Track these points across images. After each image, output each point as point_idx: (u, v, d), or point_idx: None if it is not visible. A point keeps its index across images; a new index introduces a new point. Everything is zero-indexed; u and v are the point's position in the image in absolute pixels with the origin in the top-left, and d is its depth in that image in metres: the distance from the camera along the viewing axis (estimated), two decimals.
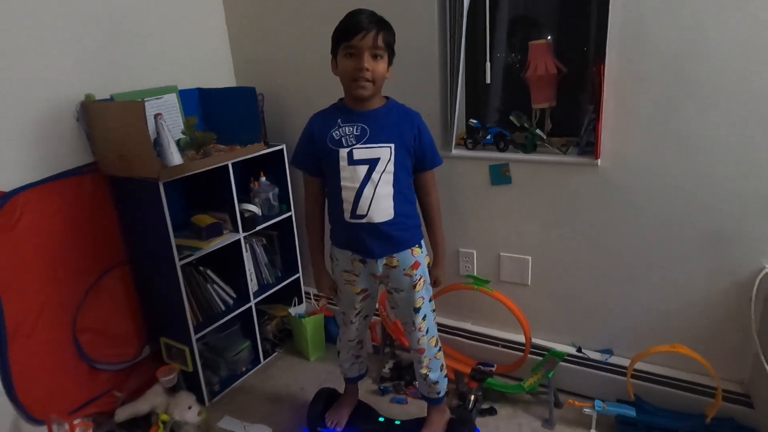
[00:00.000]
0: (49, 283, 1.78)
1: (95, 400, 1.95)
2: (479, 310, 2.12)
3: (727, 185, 1.55)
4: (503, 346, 2.08)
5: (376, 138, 1.42)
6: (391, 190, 1.44)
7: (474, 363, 2.08)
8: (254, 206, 2.19)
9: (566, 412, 1.89)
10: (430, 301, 1.62)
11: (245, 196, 2.22)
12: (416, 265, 1.54)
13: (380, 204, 1.43)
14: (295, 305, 2.42)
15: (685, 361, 1.71)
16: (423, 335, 1.61)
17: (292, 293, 2.46)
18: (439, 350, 1.69)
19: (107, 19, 1.88)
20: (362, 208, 1.43)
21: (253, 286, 2.24)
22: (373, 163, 1.41)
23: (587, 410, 1.79)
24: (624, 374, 1.78)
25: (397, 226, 1.47)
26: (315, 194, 1.57)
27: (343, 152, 1.41)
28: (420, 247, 1.56)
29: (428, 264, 1.61)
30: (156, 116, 1.80)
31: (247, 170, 2.21)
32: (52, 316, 1.80)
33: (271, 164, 2.27)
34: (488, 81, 1.88)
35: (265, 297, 2.29)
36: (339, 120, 1.44)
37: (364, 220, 1.44)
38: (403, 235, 1.50)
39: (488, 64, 1.86)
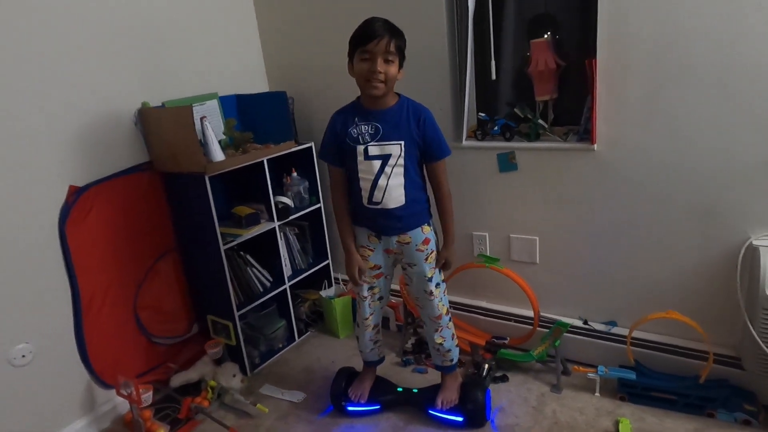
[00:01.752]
0: (113, 266, 2.07)
1: (153, 369, 2.23)
2: (492, 288, 2.30)
3: (711, 160, 1.70)
4: (515, 321, 2.26)
5: (388, 136, 1.63)
6: (402, 181, 1.66)
7: (488, 336, 2.26)
8: (287, 198, 2.44)
9: (573, 379, 2.06)
10: (440, 272, 1.82)
11: (279, 190, 2.47)
12: (426, 241, 1.75)
13: (393, 193, 1.65)
14: (325, 288, 2.66)
15: (681, 328, 1.86)
16: (438, 301, 1.81)
17: (322, 278, 2.70)
18: (450, 320, 1.88)
19: (156, 37, 2.17)
20: (377, 197, 1.65)
21: (287, 270, 2.49)
22: (385, 158, 1.63)
23: (591, 375, 1.95)
24: (626, 342, 1.94)
25: (409, 210, 1.69)
26: (339, 183, 1.78)
27: (360, 148, 1.64)
28: (429, 225, 1.77)
29: (437, 243, 1.81)
30: (201, 119, 2.07)
31: (280, 167, 2.46)
32: (117, 294, 2.09)
33: (302, 161, 2.52)
34: (494, 77, 2.07)
35: (299, 281, 2.54)
36: (356, 118, 1.66)
37: (379, 206, 1.67)
38: (414, 217, 1.72)
39: (493, 61, 2.05)
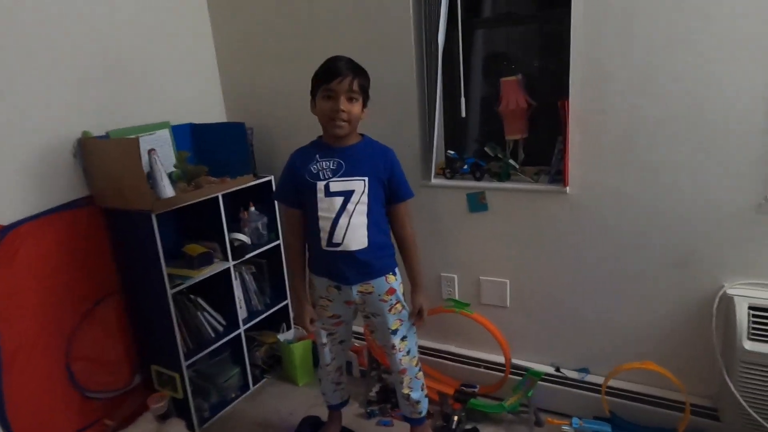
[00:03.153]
0: (44, 312, 1.84)
1: (85, 429, 1.99)
2: (462, 332, 2.20)
3: (685, 208, 1.67)
4: (485, 368, 2.15)
5: (351, 172, 1.53)
6: (365, 220, 1.54)
7: (457, 384, 2.15)
8: (244, 235, 2.27)
9: (546, 431, 1.96)
10: (409, 322, 1.70)
11: (235, 225, 2.30)
12: (391, 291, 1.63)
13: (355, 233, 1.53)
14: (283, 331, 2.48)
15: (656, 378, 1.80)
16: (404, 355, 1.69)
17: (280, 320, 2.52)
18: (420, 370, 1.76)
19: (103, 60, 1.99)
20: (338, 237, 1.53)
21: (242, 313, 2.31)
22: (348, 194, 1.52)
23: (565, 428, 1.86)
24: (600, 392, 1.86)
25: (372, 254, 1.57)
26: (295, 226, 1.66)
27: (321, 185, 1.52)
28: (394, 274, 1.66)
29: (403, 292, 1.70)
30: (149, 151, 1.90)
31: (237, 201, 2.30)
32: (47, 344, 1.85)
33: (261, 194, 2.36)
34: (463, 115, 2.01)
35: (255, 324, 2.36)
36: (317, 155, 1.55)
37: (339, 248, 1.54)
38: (378, 263, 1.60)
39: (463, 99, 1.99)
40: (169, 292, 1.93)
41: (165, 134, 2.20)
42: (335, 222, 1.52)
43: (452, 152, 2.08)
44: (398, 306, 1.65)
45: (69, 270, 1.91)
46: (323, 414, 1.97)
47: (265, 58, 2.35)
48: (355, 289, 1.60)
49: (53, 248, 1.86)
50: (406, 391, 1.74)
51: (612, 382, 1.88)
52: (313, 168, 1.54)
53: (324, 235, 1.54)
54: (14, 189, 1.75)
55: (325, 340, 1.73)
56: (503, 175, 1.98)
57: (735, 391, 1.57)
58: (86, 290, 1.98)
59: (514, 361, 2.05)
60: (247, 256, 2.27)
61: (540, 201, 1.91)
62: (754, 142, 1.53)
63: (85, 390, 1.99)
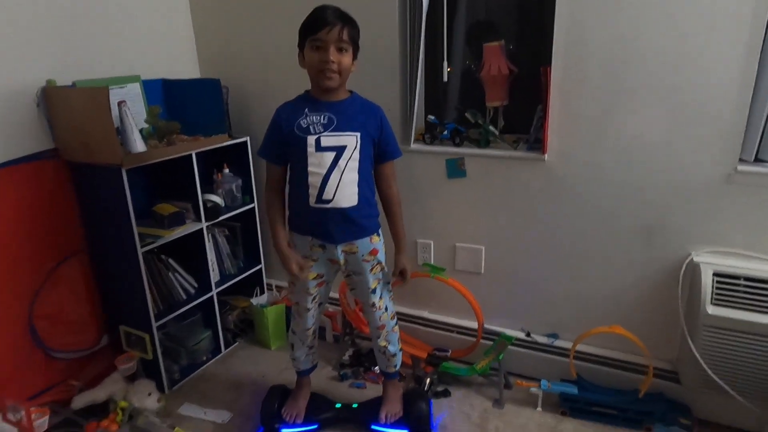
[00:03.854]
0: (5, 269, 1.77)
1: (51, 388, 1.94)
2: (436, 298, 2.22)
3: (656, 179, 1.70)
4: (458, 333, 2.18)
5: (343, 127, 1.50)
6: (356, 177, 1.52)
7: (430, 349, 2.17)
8: (217, 197, 2.22)
9: (515, 393, 2.01)
10: (387, 283, 1.71)
11: (208, 187, 2.24)
12: (374, 251, 1.63)
13: (346, 190, 1.51)
14: (256, 296, 2.46)
15: (622, 343, 1.86)
16: (383, 312, 1.71)
17: (253, 284, 2.50)
18: (396, 324, 1.79)
19: (70, 5, 1.88)
20: (328, 194, 1.50)
21: (214, 276, 2.27)
22: (339, 150, 1.49)
23: (533, 389, 1.92)
24: (568, 356, 1.91)
25: (360, 212, 1.55)
26: (278, 183, 1.62)
27: (311, 139, 1.48)
28: (378, 235, 1.65)
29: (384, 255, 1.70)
30: (119, 103, 1.82)
31: (211, 162, 2.24)
32: (9, 302, 1.79)
33: (235, 156, 2.31)
34: (445, 80, 1.99)
35: (227, 287, 2.32)
36: (306, 109, 1.51)
37: (329, 205, 1.51)
38: (365, 222, 1.58)
39: (445, 63, 1.96)
40: (140, 250, 1.88)
41: (136, 88, 2.10)
42: (326, 178, 1.49)
43: (432, 117, 2.06)
44: (378, 267, 1.65)
45: (32, 226, 1.83)
46: (292, 380, 1.94)
47: (242, 14, 2.26)
48: (340, 248, 1.59)
49: (14, 203, 1.77)
50: (383, 343, 1.76)
51: (579, 347, 1.93)
52: (303, 122, 1.50)
53: (313, 191, 1.50)
54: None
55: (309, 305, 1.71)
56: (482, 142, 1.98)
57: (697, 354, 1.64)
58: (50, 248, 1.91)
59: (487, 326, 2.09)
60: (221, 218, 2.22)
61: (518, 168, 1.92)
62: (726, 115, 1.56)
63: (50, 349, 1.93)
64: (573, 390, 1.86)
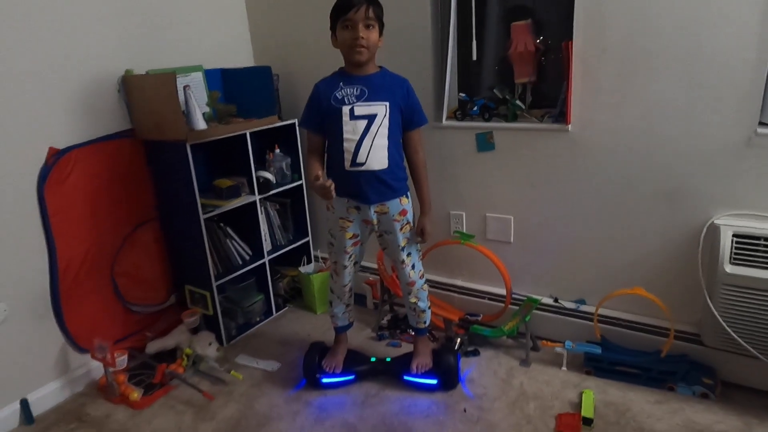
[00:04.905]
0: (92, 230, 2.08)
1: (129, 337, 2.25)
2: (468, 267, 2.36)
3: (677, 144, 1.76)
4: (489, 299, 2.31)
5: (373, 97, 1.68)
6: (386, 143, 1.70)
7: (462, 314, 2.31)
8: (269, 174, 2.46)
9: (542, 354, 2.12)
10: (415, 243, 1.87)
11: (261, 166, 2.49)
12: (403, 212, 1.80)
13: (377, 154, 1.69)
14: (304, 265, 2.69)
15: (645, 306, 1.93)
16: (411, 269, 1.87)
17: (301, 255, 2.73)
18: (425, 283, 1.95)
19: (143, 6, 2.18)
20: (361, 157, 1.69)
21: (267, 245, 2.51)
22: (371, 118, 1.68)
23: (558, 349, 2.02)
24: (592, 320, 2.00)
25: (391, 175, 1.73)
26: (317, 149, 1.81)
27: (346, 109, 1.68)
28: (407, 197, 1.82)
29: (413, 217, 1.86)
30: (185, 87, 2.09)
31: (263, 143, 2.49)
32: (95, 259, 2.10)
33: (285, 137, 2.55)
34: (474, 58, 2.12)
35: (278, 256, 2.57)
36: (341, 83, 1.71)
37: (362, 168, 1.70)
38: (395, 184, 1.76)
39: (474, 42, 2.10)
40: (202, 217, 2.14)
41: (198, 77, 2.38)
42: (359, 143, 1.68)
43: (463, 95, 2.20)
44: (407, 227, 1.83)
45: (113, 195, 2.14)
46: (333, 339, 2.12)
47: (292, 8, 2.50)
48: (373, 209, 1.77)
49: (100, 173, 2.08)
50: (413, 300, 1.93)
51: (603, 311, 2.01)
52: (339, 94, 1.70)
53: (348, 156, 1.69)
54: (66, 118, 1.97)
55: (347, 262, 1.91)
56: (510, 117, 2.10)
57: (716, 313, 1.69)
58: (128, 214, 2.21)
59: (516, 294, 2.20)
60: (272, 192, 2.46)
61: (543, 140, 2.02)
62: (744, 78, 1.61)
63: (128, 303, 2.24)
64: (597, 350, 1.95)
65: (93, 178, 2.06)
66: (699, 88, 1.68)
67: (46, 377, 2.00)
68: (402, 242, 1.82)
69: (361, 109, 1.68)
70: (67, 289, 2.01)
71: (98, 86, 2.05)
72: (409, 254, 1.85)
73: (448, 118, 2.23)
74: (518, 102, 2.08)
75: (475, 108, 2.16)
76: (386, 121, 1.69)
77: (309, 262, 2.73)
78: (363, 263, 2.14)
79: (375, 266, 2.47)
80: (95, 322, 2.11)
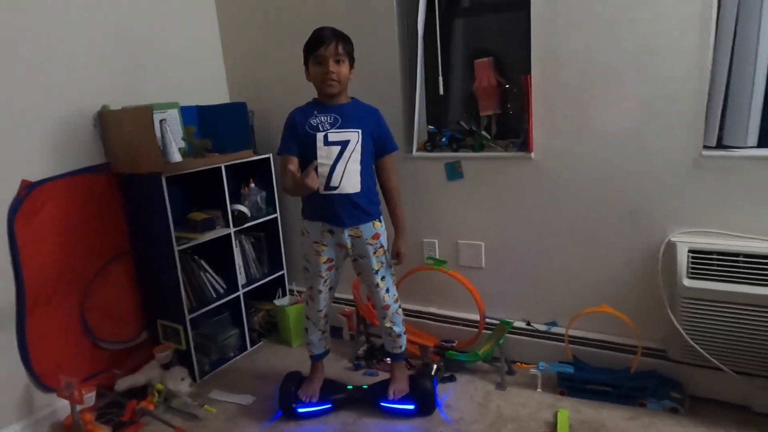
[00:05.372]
0: (63, 264, 2.05)
1: (97, 375, 2.18)
2: (442, 294, 2.39)
3: (631, 168, 1.89)
4: (463, 325, 2.34)
5: (346, 124, 1.77)
6: (358, 167, 1.77)
7: (437, 340, 2.33)
8: (244, 207, 2.49)
9: (517, 378, 2.14)
10: (389, 267, 1.91)
11: (236, 199, 2.52)
12: (376, 236, 1.85)
13: (350, 178, 1.76)
14: (279, 297, 2.68)
15: (613, 326, 2.00)
16: (385, 293, 1.91)
17: (276, 289, 2.72)
18: (399, 307, 1.98)
19: (120, 45, 2.24)
20: (335, 181, 1.75)
21: (241, 279, 2.51)
22: (344, 144, 1.75)
23: (533, 371, 2.05)
24: (564, 341, 2.05)
25: (364, 199, 1.79)
26: (292, 169, 1.81)
27: (320, 135, 1.76)
28: (380, 221, 1.87)
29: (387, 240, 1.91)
30: (161, 121, 2.14)
31: (239, 178, 2.53)
32: (64, 293, 2.06)
33: (260, 172, 2.60)
34: (441, 93, 2.25)
35: (253, 290, 2.56)
36: (315, 111, 1.79)
37: (336, 191, 1.76)
38: (368, 208, 1.82)
39: (441, 78, 2.23)
40: (176, 248, 2.14)
41: (174, 113, 2.43)
42: (333, 167, 1.75)
43: (432, 127, 2.31)
44: (381, 250, 1.87)
45: (86, 228, 2.13)
46: (308, 371, 2.11)
47: (265, 46, 2.61)
48: (347, 233, 1.82)
49: (72, 207, 2.08)
50: (388, 324, 1.95)
51: (575, 332, 2.07)
52: (313, 122, 1.77)
53: (322, 180, 1.75)
54: (42, 151, 1.98)
55: (321, 287, 1.92)
56: (477, 147, 2.21)
57: (678, 325, 1.77)
58: (100, 248, 2.19)
59: (490, 318, 2.24)
60: (247, 225, 2.49)
61: (509, 167, 2.13)
62: (688, 105, 1.75)
63: (98, 339, 2.19)
64: (569, 369, 1.99)
65: (65, 211, 2.05)
66: (648, 115, 1.82)
67: (7, 419, 1.92)
68: (376, 266, 1.86)
69: (334, 136, 1.75)
70: (34, 325, 1.96)
71: (74, 120, 2.08)
72: (383, 278, 1.89)
73: (419, 149, 2.33)
74: (484, 133, 2.19)
75: (444, 139, 2.26)
76: (359, 147, 1.76)
77: (284, 295, 2.73)
78: (338, 294, 2.16)
79: (351, 297, 2.49)
80: (62, 358, 2.05)
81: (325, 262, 1.87)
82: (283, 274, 2.74)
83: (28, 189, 1.93)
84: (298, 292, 2.76)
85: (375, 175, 1.87)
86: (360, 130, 1.77)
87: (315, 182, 1.62)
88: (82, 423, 1.91)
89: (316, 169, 1.63)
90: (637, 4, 1.76)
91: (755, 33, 1.62)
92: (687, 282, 1.74)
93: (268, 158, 2.59)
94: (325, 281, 1.91)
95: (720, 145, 1.78)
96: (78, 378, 1.99)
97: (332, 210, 1.78)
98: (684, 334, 1.76)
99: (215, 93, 2.71)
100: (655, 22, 1.75)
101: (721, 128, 1.77)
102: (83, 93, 2.11)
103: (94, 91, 2.15)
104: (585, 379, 1.97)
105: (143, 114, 2.01)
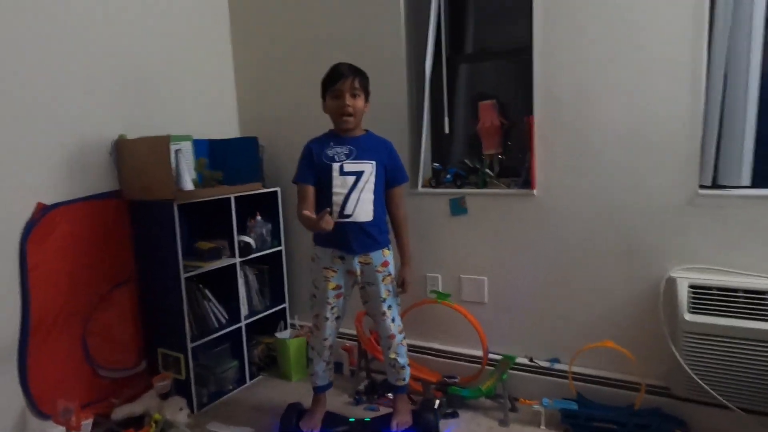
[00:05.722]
0: (69, 287, 2.06)
1: (93, 403, 2.14)
2: (445, 330, 2.40)
3: (629, 205, 1.96)
4: (466, 361, 2.34)
5: (360, 156, 1.84)
6: (371, 197, 1.84)
7: (439, 376, 2.32)
8: (250, 238, 2.53)
9: (520, 415, 2.12)
10: (396, 297, 1.93)
11: (243, 231, 2.56)
12: (385, 263, 1.89)
13: (363, 207, 1.82)
14: (280, 330, 2.67)
15: (616, 362, 2.01)
16: (391, 322, 1.92)
17: (278, 323, 2.72)
18: (404, 338, 1.98)
19: (139, 78, 2.35)
20: (349, 209, 1.81)
21: (244, 310, 2.51)
22: (359, 174, 1.82)
23: (536, 407, 2.03)
24: (567, 377, 2.05)
25: (375, 227, 1.85)
26: (309, 200, 1.86)
27: (336, 166, 1.82)
28: (389, 249, 1.92)
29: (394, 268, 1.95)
30: (176, 151, 2.21)
31: (245, 211, 2.57)
32: (68, 316, 2.06)
33: (267, 205, 2.65)
34: (447, 131, 2.34)
35: (254, 323, 2.55)
36: (331, 143, 1.87)
37: (349, 219, 1.81)
38: (379, 236, 1.87)
39: (446, 118, 2.33)
40: (182, 274, 2.16)
41: (187, 146, 2.51)
42: (347, 196, 1.81)
43: (437, 164, 2.39)
44: (389, 278, 1.90)
45: (94, 253, 2.15)
46: (309, 404, 2.10)
47: (276, 87, 2.73)
48: (357, 259, 1.85)
49: (83, 231, 2.11)
50: (392, 355, 1.95)
51: (578, 369, 2.07)
52: (329, 152, 1.85)
53: (336, 208, 1.81)
54: (57, 176, 2.04)
55: (328, 314, 1.94)
56: (480, 184, 2.28)
57: (681, 359, 1.78)
58: (106, 274, 2.21)
59: (492, 354, 2.24)
60: (252, 256, 2.51)
61: (512, 203, 2.19)
62: (681, 146, 1.85)
63: (98, 366, 2.17)
64: (573, 406, 1.98)
65: (76, 235, 2.08)
66: (644, 155, 1.91)
67: None
68: (384, 294, 1.88)
69: (350, 166, 1.82)
70: (37, 346, 1.95)
71: (90, 148, 2.15)
72: (390, 307, 1.91)
73: (423, 186, 2.40)
74: (488, 170, 2.27)
75: (448, 176, 2.34)
76: (372, 178, 1.83)
77: (285, 327, 2.72)
78: (340, 330, 2.15)
79: (352, 332, 2.48)
80: (60, 383, 2.03)
81: (333, 289, 1.89)
82: (285, 308, 2.74)
83: (42, 212, 1.97)
84: (300, 325, 2.75)
85: (385, 205, 1.92)
86: (374, 162, 1.85)
87: (329, 225, 1.68)
88: None
89: (330, 213, 1.69)
90: (630, 48, 1.89)
91: (744, 79, 1.74)
92: (688, 316, 1.77)
93: (276, 192, 2.65)
94: (332, 308, 1.92)
95: (715, 184, 1.85)
96: (76, 403, 1.96)
97: (344, 237, 1.83)
98: (687, 368, 1.77)
99: (227, 127, 2.80)
100: (647, 66, 1.87)
101: (715, 168, 1.85)
102: (101, 122, 2.19)
103: (111, 121, 2.23)
104: (589, 416, 1.96)
105: (161, 142, 2.07)
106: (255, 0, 2.74)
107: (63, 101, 2.05)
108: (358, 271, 1.87)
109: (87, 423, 1.94)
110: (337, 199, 1.81)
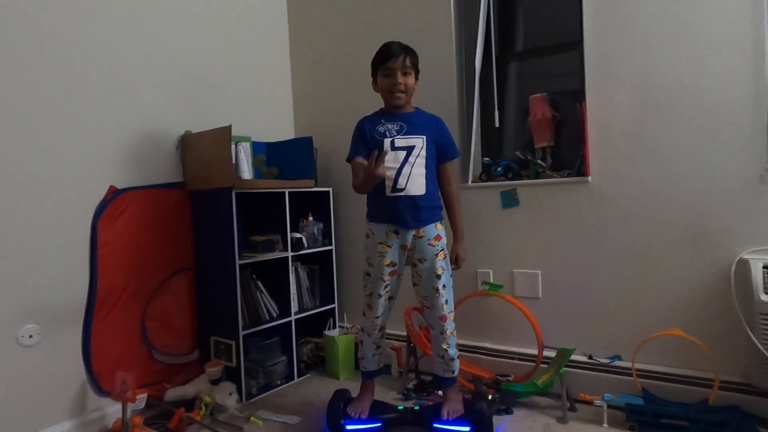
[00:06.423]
0: (133, 268, 2.16)
1: (148, 386, 2.18)
2: (496, 327, 2.32)
3: (693, 186, 1.87)
4: (519, 359, 2.24)
5: (411, 131, 1.88)
6: (423, 171, 1.85)
7: (492, 374, 2.22)
8: (302, 235, 2.58)
9: (580, 414, 1.99)
10: (450, 277, 1.90)
11: (295, 229, 2.62)
12: (438, 237, 1.88)
13: (415, 180, 1.84)
14: (329, 328, 2.66)
15: (684, 357, 1.88)
16: (444, 302, 1.87)
17: (327, 322, 2.72)
18: (454, 329, 1.91)
19: (206, 83, 2.53)
20: (401, 183, 1.83)
21: (294, 306, 2.53)
22: (410, 149, 1.85)
23: (597, 402, 1.90)
24: (630, 375, 1.92)
25: (427, 201, 1.85)
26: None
27: (387, 141, 1.86)
28: (441, 223, 1.91)
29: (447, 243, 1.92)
30: (237, 143, 2.32)
31: (298, 211, 2.64)
32: (130, 298, 2.15)
33: (319, 205, 2.72)
34: (497, 125, 2.35)
35: (303, 320, 2.57)
36: (382, 120, 1.92)
37: (402, 193, 1.83)
38: (431, 210, 1.87)
39: (497, 111, 2.35)
40: (237, 262, 2.22)
41: (246, 146, 2.64)
42: (399, 171, 1.84)
43: (487, 159, 2.39)
44: (442, 253, 1.88)
45: (156, 238, 2.26)
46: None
47: (331, 92, 2.85)
48: (411, 234, 1.85)
49: (148, 216, 2.23)
50: (444, 345, 1.89)
51: (643, 366, 1.94)
52: (381, 129, 1.89)
53: (389, 183, 1.84)
54: (129, 163, 2.18)
55: (382, 292, 1.91)
56: (533, 176, 2.26)
57: (759, 344, 1.64)
58: (166, 260, 2.30)
59: (547, 352, 2.13)
60: (304, 251, 2.56)
61: (566, 192, 2.14)
62: (747, 121, 1.77)
63: (154, 349, 2.22)
64: (638, 401, 1.84)
65: (142, 220, 2.20)
66: (707, 135, 1.84)
67: (60, 415, 1.94)
68: (438, 270, 1.86)
69: (401, 141, 1.86)
70: (99, 323, 2.03)
71: (160, 141, 2.31)
72: (444, 285, 1.87)
73: (474, 181, 2.40)
74: (540, 161, 2.25)
75: (499, 169, 2.33)
76: (423, 152, 1.86)
77: (334, 326, 2.71)
78: (388, 330, 2.10)
79: (400, 333, 2.45)
80: (119, 362, 2.09)
81: (388, 265, 1.88)
82: (334, 308, 2.74)
83: (114, 194, 2.11)
84: (349, 326, 2.74)
85: (437, 180, 1.93)
86: (424, 137, 1.87)
87: (383, 169, 1.71)
88: (131, 425, 1.89)
89: (383, 156, 1.71)
90: (686, 28, 1.86)
91: None
92: (764, 297, 1.64)
93: (328, 192, 2.72)
94: (386, 286, 1.91)
95: None
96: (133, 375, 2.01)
97: (397, 211, 1.84)
98: (766, 352, 1.62)
99: (283, 130, 2.94)
100: (712, 43, 1.83)
101: None
102: (170, 119, 2.35)
103: (180, 118, 2.39)
104: (657, 412, 1.81)
105: (223, 132, 2.20)
106: (312, 11, 2.92)
107: (142, 100, 2.24)
108: (411, 245, 1.86)
109: (142, 397, 1.97)
110: (390, 174, 1.84)
